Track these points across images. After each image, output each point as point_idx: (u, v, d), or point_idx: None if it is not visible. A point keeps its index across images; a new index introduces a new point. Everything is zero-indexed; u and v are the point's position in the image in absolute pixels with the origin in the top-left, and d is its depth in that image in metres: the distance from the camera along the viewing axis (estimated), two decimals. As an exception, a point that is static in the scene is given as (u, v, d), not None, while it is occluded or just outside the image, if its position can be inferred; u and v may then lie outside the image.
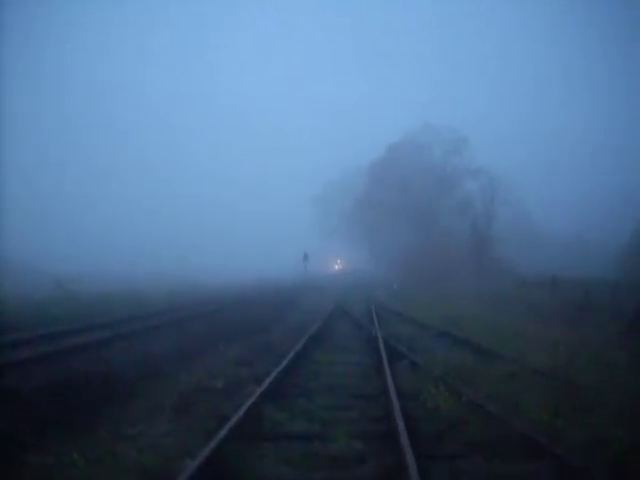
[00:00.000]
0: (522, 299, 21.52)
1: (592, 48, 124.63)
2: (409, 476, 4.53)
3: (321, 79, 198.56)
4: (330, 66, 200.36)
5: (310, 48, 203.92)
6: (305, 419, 6.79)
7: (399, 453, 5.20)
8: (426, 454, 5.37)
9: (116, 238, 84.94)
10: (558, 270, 32.76)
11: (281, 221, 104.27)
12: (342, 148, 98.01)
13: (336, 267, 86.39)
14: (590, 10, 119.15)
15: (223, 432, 5.62)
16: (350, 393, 8.30)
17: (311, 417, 6.86)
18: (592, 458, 5.13)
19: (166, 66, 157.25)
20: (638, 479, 4.79)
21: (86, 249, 71.58)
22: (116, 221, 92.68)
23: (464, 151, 47.90)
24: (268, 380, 8.20)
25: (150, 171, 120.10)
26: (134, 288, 31.46)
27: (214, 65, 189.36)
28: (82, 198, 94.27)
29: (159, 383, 9.03)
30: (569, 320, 14.83)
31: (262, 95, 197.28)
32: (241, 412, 6.37)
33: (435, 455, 5.48)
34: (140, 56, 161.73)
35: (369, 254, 63.41)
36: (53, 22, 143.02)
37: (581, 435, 5.77)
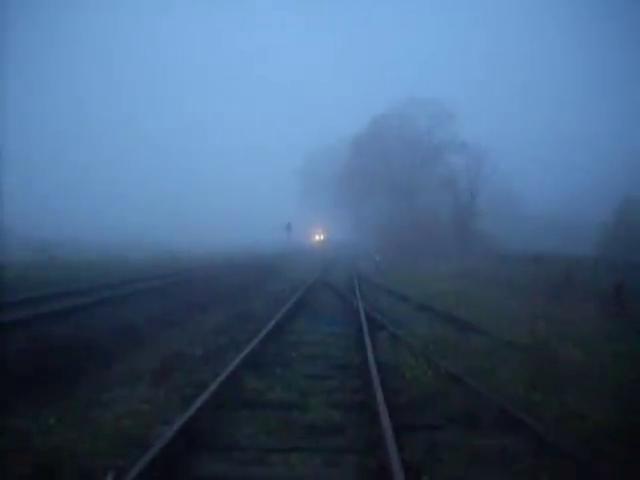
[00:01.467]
0: (505, 275, 21.63)
1: (588, 30, 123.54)
2: (386, 447, 4.54)
3: (306, 49, 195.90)
4: (316, 35, 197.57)
5: (295, 20, 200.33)
6: (284, 388, 6.79)
7: (377, 423, 5.21)
8: (404, 424, 5.40)
9: (107, 208, 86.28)
10: (540, 247, 33.15)
11: (266, 191, 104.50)
12: (327, 119, 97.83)
13: (317, 237, 74.74)
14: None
15: (202, 398, 5.60)
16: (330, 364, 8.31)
17: (290, 386, 6.87)
18: (567, 432, 5.19)
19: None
20: (612, 453, 4.84)
21: (79, 219, 72.19)
22: (108, 193, 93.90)
23: (449, 125, 47.38)
24: (249, 348, 8.19)
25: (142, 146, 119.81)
26: (119, 256, 31.36)
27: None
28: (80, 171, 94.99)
29: (139, 349, 9.00)
30: (551, 296, 14.94)
31: (246, 65, 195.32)
32: (220, 379, 6.35)
33: (413, 425, 5.51)
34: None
35: (354, 226, 63.52)
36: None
37: (557, 409, 5.84)
